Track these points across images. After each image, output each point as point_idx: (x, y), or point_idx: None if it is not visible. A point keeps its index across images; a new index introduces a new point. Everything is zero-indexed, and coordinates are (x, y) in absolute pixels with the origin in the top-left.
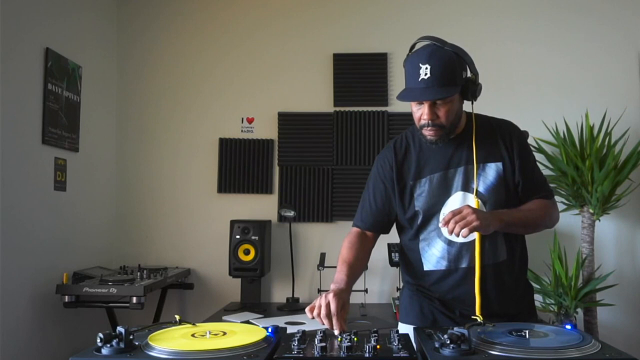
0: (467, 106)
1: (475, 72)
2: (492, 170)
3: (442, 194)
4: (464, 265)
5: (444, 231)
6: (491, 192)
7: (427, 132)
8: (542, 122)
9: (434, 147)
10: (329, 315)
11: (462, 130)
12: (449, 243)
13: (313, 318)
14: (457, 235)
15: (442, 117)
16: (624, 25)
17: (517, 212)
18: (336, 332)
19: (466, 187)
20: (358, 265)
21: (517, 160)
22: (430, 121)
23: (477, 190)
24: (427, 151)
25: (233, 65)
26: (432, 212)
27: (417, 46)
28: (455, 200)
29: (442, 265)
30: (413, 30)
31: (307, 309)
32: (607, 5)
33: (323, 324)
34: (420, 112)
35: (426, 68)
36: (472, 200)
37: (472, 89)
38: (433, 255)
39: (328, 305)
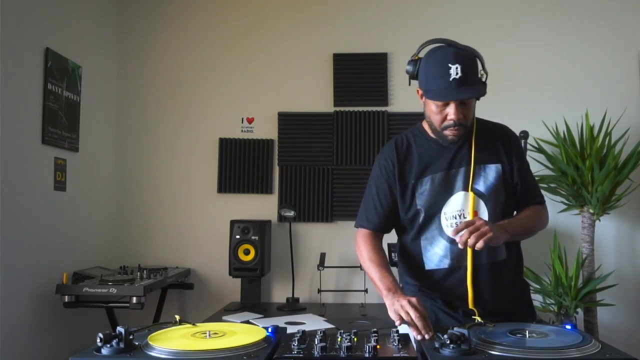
0: None
1: (486, 72)
2: (492, 171)
3: (444, 193)
4: (466, 263)
5: (448, 231)
6: (492, 193)
7: (451, 132)
8: (542, 122)
9: (435, 148)
10: (423, 315)
11: None
12: (452, 242)
13: (400, 325)
14: (472, 247)
15: (467, 116)
16: (624, 25)
17: (518, 222)
18: (427, 337)
19: (467, 188)
20: (389, 266)
21: (515, 163)
22: (456, 120)
23: (478, 191)
24: (428, 151)
25: (233, 65)
26: (433, 210)
27: (427, 49)
28: (457, 200)
29: (445, 263)
30: (413, 30)
31: (393, 317)
32: (607, 5)
33: (416, 327)
34: (444, 112)
35: (457, 68)
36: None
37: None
38: (435, 254)
39: (415, 308)
